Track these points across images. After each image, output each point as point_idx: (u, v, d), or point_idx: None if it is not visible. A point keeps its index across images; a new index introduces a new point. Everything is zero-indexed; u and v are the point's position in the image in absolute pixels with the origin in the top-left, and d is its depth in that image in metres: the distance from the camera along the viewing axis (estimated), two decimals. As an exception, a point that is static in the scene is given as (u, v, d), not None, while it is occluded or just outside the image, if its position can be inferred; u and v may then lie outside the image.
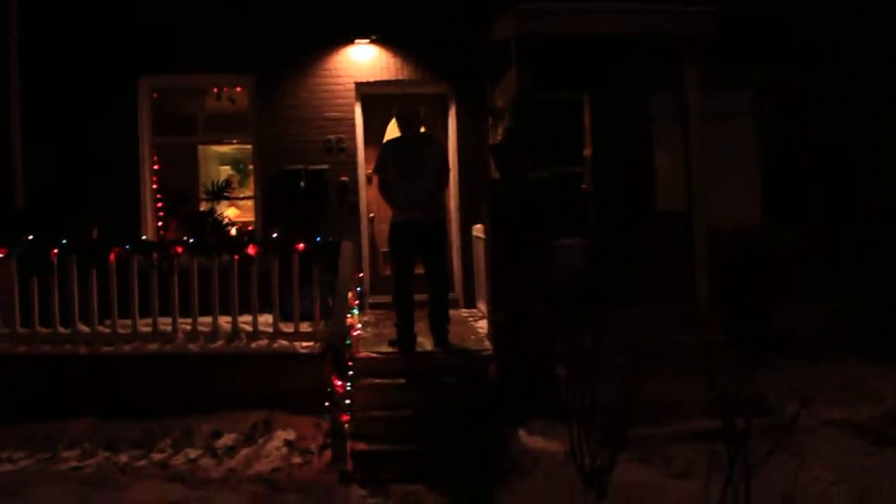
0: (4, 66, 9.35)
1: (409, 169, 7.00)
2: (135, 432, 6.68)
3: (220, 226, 9.39)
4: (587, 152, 9.58)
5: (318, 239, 7.21)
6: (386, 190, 7.19)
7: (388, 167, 7.14)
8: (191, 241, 7.29)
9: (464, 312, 9.04)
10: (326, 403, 5.86)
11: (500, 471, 5.74)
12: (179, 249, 7.22)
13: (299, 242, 7.15)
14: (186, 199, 9.89)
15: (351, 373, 5.97)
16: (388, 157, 7.19)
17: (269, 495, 5.31)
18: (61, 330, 7.32)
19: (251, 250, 7.16)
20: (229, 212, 10.09)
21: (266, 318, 7.25)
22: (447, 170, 7.37)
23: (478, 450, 6.04)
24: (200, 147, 10.30)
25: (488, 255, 7.00)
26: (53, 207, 9.03)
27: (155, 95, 9.70)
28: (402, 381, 6.69)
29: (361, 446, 5.99)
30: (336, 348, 5.84)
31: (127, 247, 7.20)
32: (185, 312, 7.24)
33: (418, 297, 7.20)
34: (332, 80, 9.47)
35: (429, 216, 7.00)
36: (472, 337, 7.50)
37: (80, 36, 9.32)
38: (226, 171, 10.97)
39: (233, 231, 9.45)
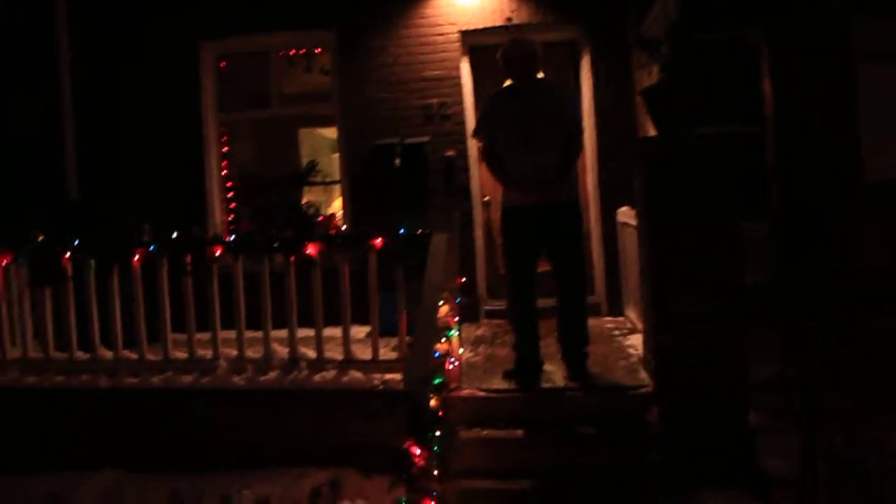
0: (53, 36, 7.95)
1: (524, 131, 4.93)
2: (160, 495, 4.95)
3: (304, 219, 7.55)
4: (766, 108, 7.15)
5: (402, 231, 5.22)
6: (493, 161, 5.14)
7: (494, 129, 5.08)
8: (231, 239, 5.45)
9: (607, 323, 6.86)
10: (401, 479, 3.87)
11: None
12: (218, 250, 5.41)
13: (376, 237, 5.20)
14: (262, 186, 8.11)
15: (439, 432, 3.92)
16: (494, 115, 5.13)
17: None
18: (79, 355, 5.66)
19: (311, 250, 5.24)
20: (336, 204, 8.32)
21: (333, 333, 5.35)
22: (580, 130, 5.24)
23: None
24: (277, 124, 8.50)
25: (643, 246, 4.81)
26: (108, 200, 7.57)
27: (222, 65, 8.02)
28: (519, 433, 4.60)
29: (453, 543, 3.98)
30: (412, 398, 3.81)
31: (152, 248, 5.43)
32: (233, 325, 5.43)
33: (545, 302, 5.12)
34: (430, 31, 7.48)
35: (555, 197, 4.91)
36: (622, 363, 5.32)
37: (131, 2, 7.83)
38: (311, 150, 9.13)
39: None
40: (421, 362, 3.95)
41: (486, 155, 5.19)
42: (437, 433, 3.94)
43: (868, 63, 6.85)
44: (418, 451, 3.74)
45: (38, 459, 5.39)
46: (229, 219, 7.98)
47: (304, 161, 8.22)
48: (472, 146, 7.31)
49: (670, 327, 4.52)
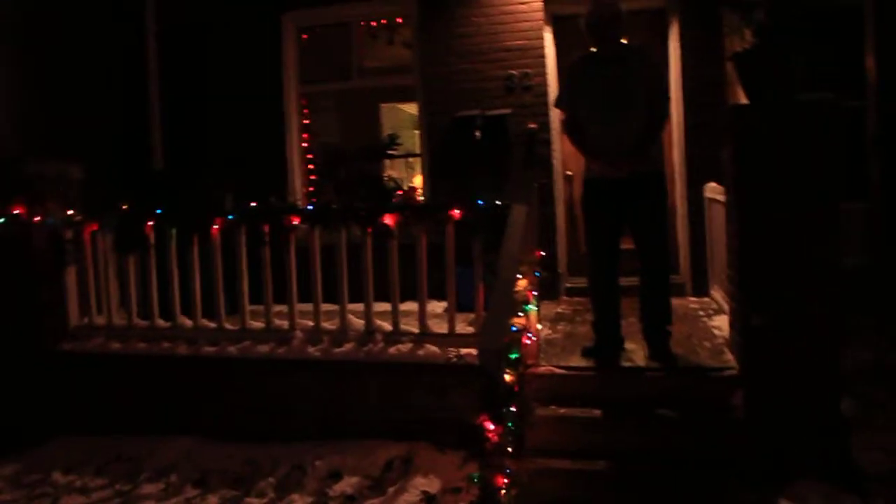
0: (142, 6, 8.06)
1: (608, 99, 4.72)
2: (234, 462, 5.02)
3: (383, 190, 7.50)
4: (870, 77, 6.76)
5: (481, 203, 5.10)
6: (575, 131, 4.95)
7: (576, 98, 4.89)
8: (308, 208, 5.43)
9: (692, 303, 6.62)
10: (474, 455, 3.77)
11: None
12: (296, 219, 5.39)
13: (454, 207, 5.09)
14: (342, 159, 8.09)
15: (513, 408, 3.81)
16: (576, 83, 4.93)
17: None
18: (160, 323, 5.75)
19: (388, 220, 5.17)
20: (416, 180, 8.26)
21: (410, 307, 5.30)
22: (666, 97, 5.01)
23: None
24: (358, 97, 8.44)
25: (732, 222, 4.57)
26: (191, 171, 7.66)
27: (304, 37, 8.02)
28: (597, 413, 4.45)
29: (527, 522, 3.86)
30: (486, 372, 3.70)
31: (230, 217, 5.45)
32: (309, 298, 5.42)
33: (628, 281, 4.94)
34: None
35: (639, 168, 4.69)
36: (706, 344, 5.11)
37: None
38: (393, 126, 9.06)
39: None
40: (496, 335, 3.82)
41: (569, 125, 5.01)
42: (512, 409, 3.83)
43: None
44: (492, 427, 3.62)
45: (119, 423, 5.54)
46: (309, 191, 8.00)
47: (385, 135, 8.17)
48: (555, 118, 7.13)
49: (760, 307, 4.28)
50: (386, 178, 7.84)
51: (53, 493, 4.84)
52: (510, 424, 3.79)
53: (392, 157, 8.11)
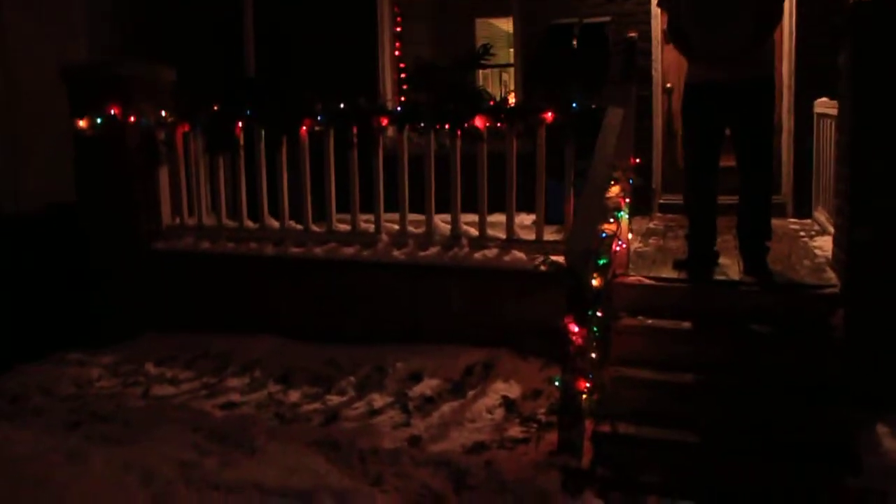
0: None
1: (713, 2, 4.43)
2: (317, 362, 5.08)
3: (474, 94, 7.32)
4: None
5: (575, 105, 4.91)
6: (678, 33, 4.67)
7: (680, 1, 4.61)
8: (397, 109, 5.33)
9: (792, 224, 6.31)
10: (557, 358, 3.69)
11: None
12: (384, 120, 5.31)
13: (546, 110, 4.91)
14: (436, 69, 7.92)
15: (599, 314, 3.68)
16: (681, -16, 4.64)
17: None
18: (249, 224, 5.80)
19: (478, 122, 5.04)
20: (510, 98, 8.04)
21: (498, 219, 5.20)
22: (777, 3, 4.65)
23: (802, 456, 3.60)
24: (452, 9, 8.23)
25: (845, 132, 4.26)
26: (282, 76, 7.65)
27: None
28: (686, 325, 4.28)
29: (606, 428, 3.76)
30: (573, 273, 3.57)
31: (319, 118, 5.40)
32: (394, 208, 5.37)
33: (725, 199, 4.71)
34: None
35: (746, 73, 4.40)
36: (806, 262, 4.85)
37: None
38: (488, 41, 8.81)
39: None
40: (584, 237, 3.67)
41: (672, 27, 4.73)
42: (598, 314, 3.71)
43: None
44: (576, 329, 3.52)
45: (208, 320, 5.67)
46: (401, 101, 7.89)
47: (479, 46, 7.95)
48: (656, 27, 6.80)
49: (870, 221, 4.01)
50: (478, 88, 7.66)
51: (146, 381, 5.01)
52: (595, 329, 3.68)
53: (485, 66, 7.86)
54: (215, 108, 5.84)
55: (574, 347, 3.55)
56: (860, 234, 4.01)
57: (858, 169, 4.04)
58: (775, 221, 5.03)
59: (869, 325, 4.01)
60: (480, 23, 9.04)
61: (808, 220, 6.32)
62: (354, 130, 5.35)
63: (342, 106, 5.41)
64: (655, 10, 6.77)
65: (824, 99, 5.71)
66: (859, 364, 3.96)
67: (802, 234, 5.81)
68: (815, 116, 6.09)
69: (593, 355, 3.66)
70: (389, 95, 7.80)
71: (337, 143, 5.46)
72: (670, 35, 4.80)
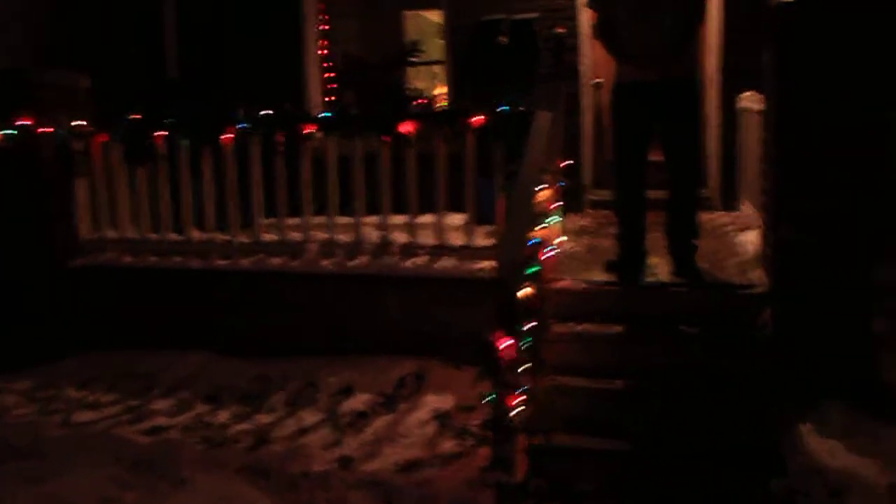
0: None
1: (642, 1, 4.41)
2: (247, 378, 4.95)
3: (402, 97, 7.24)
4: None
5: (505, 108, 4.85)
6: (607, 33, 4.63)
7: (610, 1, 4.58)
8: (323, 115, 5.20)
9: (720, 217, 6.35)
10: (488, 372, 3.63)
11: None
12: (310, 127, 5.17)
13: (474, 114, 4.84)
14: (364, 67, 7.82)
15: (531, 324, 3.63)
16: (608, -19, 4.61)
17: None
18: (172, 236, 5.61)
19: (407, 127, 4.94)
20: (439, 91, 7.98)
21: (427, 220, 5.12)
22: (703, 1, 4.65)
23: (732, 459, 3.63)
24: (380, 4, 8.11)
25: (770, 130, 4.28)
26: (205, 79, 7.45)
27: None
28: (617, 329, 4.27)
29: (540, 440, 3.72)
30: (503, 285, 3.51)
31: (242, 125, 5.24)
32: (323, 213, 5.26)
33: (654, 194, 4.68)
34: None
35: (674, 72, 4.41)
36: (733, 260, 4.88)
37: None
38: (417, 35, 8.70)
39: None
40: (514, 247, 3.63)
41: (601, 27, 4.69)
42: (530, 325, 3.67)
43: None
44: (507, 343, 3.47)
45: (132, 339, 5.45)
46: (328, 101, 7.74)
47: (407, 43, 7.88)
48: (584, 23, 6.78)
49: (794, 220, 4.04)
50: (407, 88, 7.58)
51: (66, 408, 4.78)
52: (527, 341, 3.64)
53: (413, 64, 7.84)
54: (134, 116, 5.62)
55: (505, 362, 3.50)
56: (786, 234, 4.03)
57: (784, 168, 4.05)
58: (703, 215, 5.07)
59: (795, 324, 4.03)
60: (410, 15, 8.92)
61: (736, 213, 6.37)
62: (280, 138, 5.20)
63: (267, 112, 5.25)
64: (583, 4, 6.75)
65: (748, 93, 5.75)
66: (786, 363, 3.98)
67: (730, 228, 5.85)
68: (739, 110, 6.14)
69: (526, 367, 3.62)
70: (317, 96, 7.65)
71: (263, 149, 5.30)
72: (599, 34, 4.76)
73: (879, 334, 3.98)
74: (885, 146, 3.84)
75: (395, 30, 8.52)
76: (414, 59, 7.71)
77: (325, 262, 5.11)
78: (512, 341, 3.47)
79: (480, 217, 5.09)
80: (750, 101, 5.68)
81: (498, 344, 3.47)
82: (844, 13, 3.86)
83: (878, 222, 3.93)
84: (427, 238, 5.10)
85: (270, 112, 5.23)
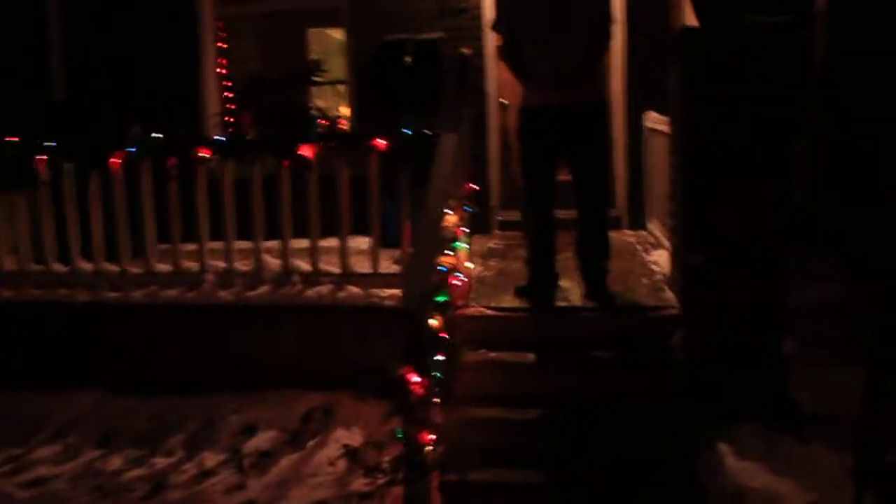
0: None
1: (547, 21, 4.32)
2: (142, 418, 4.65)
3: (303, 120, 7.03)
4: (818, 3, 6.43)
5: (408, 132, 4.71)
6: (512, 55, 4.53)
7: (514, 20, 4.48)
8: (218, 139, 4.96)
9: (629, 236, 6.36)
10: (398, 408, 3.46)
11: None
12: (205, 152, 4.92)
13: (377, 137, 4.69)
14: (264, 86, 7.55)
15: (440, 356, 3.48)
16: (513, 3, 4.51)
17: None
18: (57, 268, 5.25)
19: (307, 151, 4.74)
20: (343, 110, 7.76)
21: (331, 244, 4.92)
22: (610, 20, 4.60)
23: (648, 486, 3.55)
24: (282, 22, 7.88)
25: (676, 154, 4.26)
26: (96, 100, 7.06)
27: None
28: (530, 357, 4.18)
29: (454, 477, 3.57)
30: (410, 318, 3.35)
31: (132, 149, 4.95)
32: (219, 238, 5.00)
33: (563, 213, 4.60)
34: None
35: (580, 97, 4.33)
36: (644, 281, 4.85)
37: None
38: (321, 53, 8.49)
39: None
40: (421, 277, 3.47)
41: (506, 50, 4.60)
42: (439, 357, 3.51)
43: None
44: (416, 379, 3.30)
45: (18, 377, 5.06)
46: (227, 121, 7.45)
47: (310, 61, 7.65)
48: (489, 44, 6.71)
49: (702, 244, 4.02)
50: (310, 108, 7.36)
51: (-62, 459, 4.40)
52: (437, 374, 3.48)
53: (316, 83, 7.60)
54: (12, 139, 5.25)
55: (414, 397, 3.33)
56: (694, 259, 4.00)
57: (691, 194, 4.03)
58: (612, 234, 4.99)
59: (706, 346, 4.01)
60: (313, 33, 8.71)
61: (644, 232, 6.38)
62: (174, 162, 4.93)
63: (160, 136, 4.97)
64: (489, 25, 6.68)
65: (654, 114, 5.77)
66: (699, 385, 3.96)
67: (639, 247, 5.85)
68: (645, 130, 6.17)
69: (436, 400, 3.46)
70: (215, 116, 7.35)
71: (155, 174, 5.01)
72: (504, 56, 4.68)
73: (789, 355, 4.01)
74: (785, 169, 3.86)
75: (299, 48, 8.30)
76: (317, 79, 7.49)
77: (223, 294, 4.85)
78: (422, 378, 3.31)
79: (386, 239, 4.94)
80: (655, 121, 5.70)
81: (407, 379, 3.30)
82: (746, 37, 3.88)
83: (785, 245, 3.97)
84: (331, 264, 4.91)
85: (161, 136, 4.93)
